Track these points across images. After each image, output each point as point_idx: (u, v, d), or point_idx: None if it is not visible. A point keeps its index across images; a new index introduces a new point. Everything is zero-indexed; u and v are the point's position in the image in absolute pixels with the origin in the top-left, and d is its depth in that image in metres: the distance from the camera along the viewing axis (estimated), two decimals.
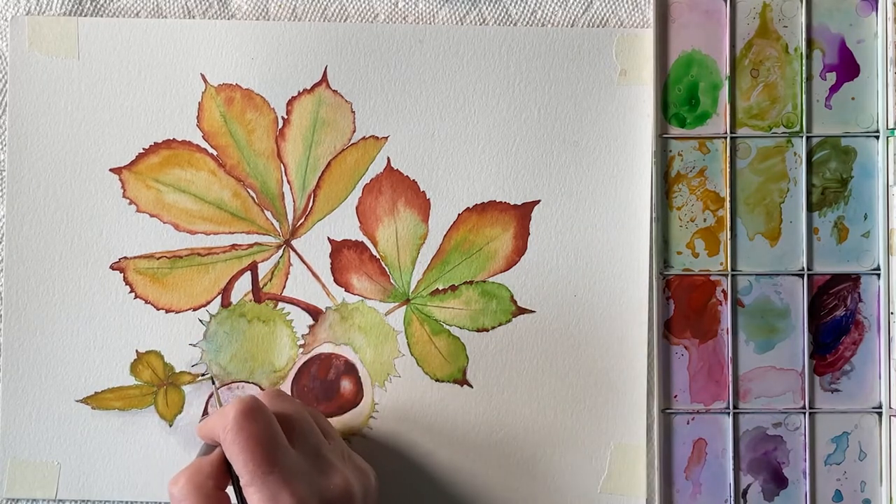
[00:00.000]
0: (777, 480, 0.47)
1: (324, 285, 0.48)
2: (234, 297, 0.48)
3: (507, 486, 0.47)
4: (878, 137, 0.48)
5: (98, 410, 0.48)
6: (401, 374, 0.48)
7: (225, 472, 0.40)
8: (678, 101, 0.48)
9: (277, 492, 0.38)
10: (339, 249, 0.48)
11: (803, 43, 0.48)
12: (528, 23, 0.48)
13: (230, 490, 0.40)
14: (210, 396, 0.48)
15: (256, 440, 0.38)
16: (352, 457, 0.43)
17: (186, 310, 0.48)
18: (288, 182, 0.48)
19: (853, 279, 0.48)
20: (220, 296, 0.48)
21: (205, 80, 0.48)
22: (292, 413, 0.41)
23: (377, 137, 0.48)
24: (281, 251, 0.48)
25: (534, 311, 0.48)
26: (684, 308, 0.48)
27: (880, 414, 0.47)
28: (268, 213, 0.48)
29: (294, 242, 0.48)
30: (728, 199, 0.48)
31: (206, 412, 0.48)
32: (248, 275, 0.48)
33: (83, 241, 0.48)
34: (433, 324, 0.48)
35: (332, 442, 0.42)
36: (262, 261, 0.48)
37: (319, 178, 0.48)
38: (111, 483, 0.48)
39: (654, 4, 0.48)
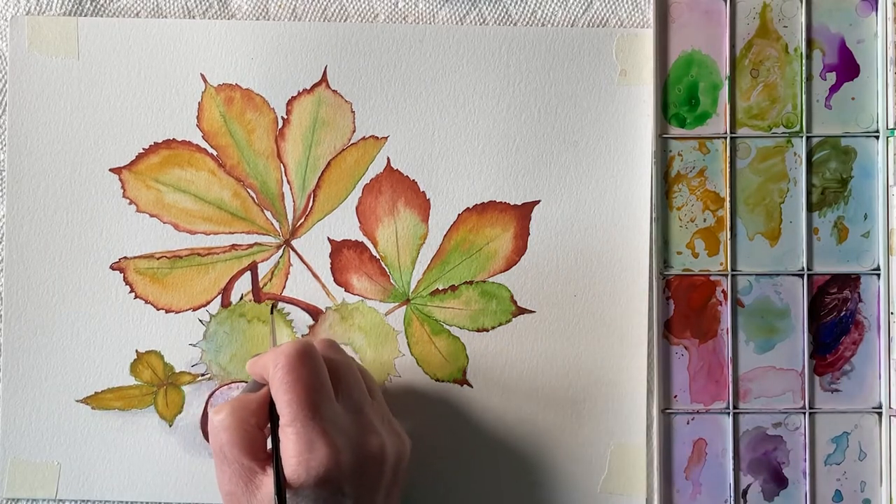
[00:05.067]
0: (777, 480, 0.47)
1: (324, 285, 0.48)
2: (234, 297, 0.48)
3: (506, 486, 0.47)
4: (878, 137, 0.48)
5: (98, 410, 0.48)
6: (401, 374, 0.48)
7: (267, 413, 0.40)
8: (678, 101, 0.48)
9: (314, 439, 0.38)
10: (339, 249, 0.48)
11: (803, 43, 0.48)
12: (528, 23, 0.48)
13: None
14: (210, 396, 0.48)
15: (304, 384, 0.38)
16: (391, 421, 0.43)
17: (186, 310, 0.48)
18: (288, 182, 0.48)
19: (853, 279, 0.48)
20: (220, 296, 0.48)
21: (205, 80, 0.48)
22: (342, 364, 0.41)
23: (377, 137, 0.48)
24: (281, 251, 0.48)
25: (534, 311, 0.48)
26: (684, 308, 0.48)
27: (880, 414, 0.47)
28: (268, 213, 0.48)
29: (294, 242, 0.48)
30: (728, 199, 0.48)
31: (205, 412, 0.48)
32: (248, 275, 0.48)
33: (83, 241, 0.48)
34: (433, 324, 0.48)
35: (375, 402, 0.42)
36: (262, 261, 0.48)
37: (319, 178, 0.48)
38: (111, 483, 0.48)
39: (654, 4, 0.47)
